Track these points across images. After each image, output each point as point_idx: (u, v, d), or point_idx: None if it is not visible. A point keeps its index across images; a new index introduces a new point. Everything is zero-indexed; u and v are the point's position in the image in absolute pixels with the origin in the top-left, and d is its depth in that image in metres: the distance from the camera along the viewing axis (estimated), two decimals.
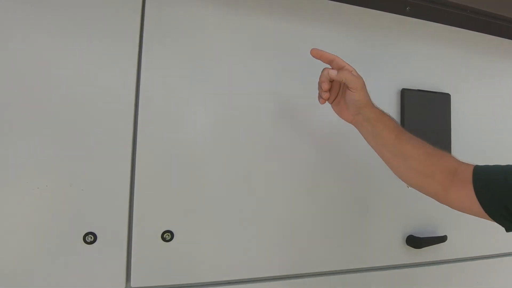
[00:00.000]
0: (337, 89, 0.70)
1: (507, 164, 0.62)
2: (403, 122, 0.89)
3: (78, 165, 0.63)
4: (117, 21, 0.66)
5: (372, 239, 0.85)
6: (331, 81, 0.68)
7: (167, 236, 0.67)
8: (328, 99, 0.70)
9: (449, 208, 0.66)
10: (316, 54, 0.66)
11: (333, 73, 0.65)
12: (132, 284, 0.65)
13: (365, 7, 0.88)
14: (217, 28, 0.74)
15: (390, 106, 0.89)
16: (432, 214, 0.91)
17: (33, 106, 0.61)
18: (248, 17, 0.76)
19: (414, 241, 0.87)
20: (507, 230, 0.62)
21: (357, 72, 0.67)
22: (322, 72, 0.68)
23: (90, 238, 0.62)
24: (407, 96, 0.88)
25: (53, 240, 0.61)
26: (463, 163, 0.66)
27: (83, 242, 0.62)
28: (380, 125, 0.67)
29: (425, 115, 0.91)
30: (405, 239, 0.88)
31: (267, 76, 0.77)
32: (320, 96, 0.69)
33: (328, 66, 0.68)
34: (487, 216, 0.60)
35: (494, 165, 0.63)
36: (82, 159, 0.63)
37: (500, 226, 0.60)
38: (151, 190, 0.67)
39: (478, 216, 0.63)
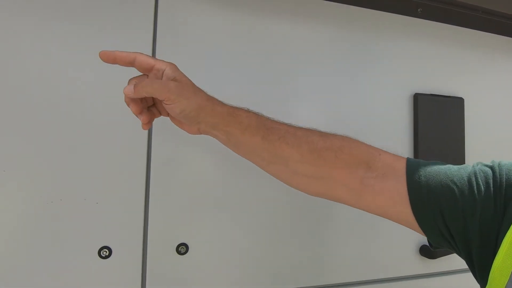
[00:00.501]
0: None
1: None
2: (416, 127, 0.95)
3: (92, 178, 0.68)
4: (130, 30, 0.72)
5: (385, 249, 0.91)
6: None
7: (182, 249, 0.72)
8: (162, 114, 0.59)
9: None
10: (108, 57, 0.53)
11: (129, 92, 0.53)
12: None
13: (375, 9, 0.95)
14: (227, 33, 0.80)
15: (403, 111, 0.95)
16: None
17: (46, 120, 0.66)
18: (260, 21, 0.82)
19: (428, 251, 0.93)
20: (434, 246, 0.56)
21: (173, 69, 0.54)
22: None
23: (105, 252, 0.67)
24: (420, 101, 0.95)
25: (68, 255, 0.66)
26: (381, 153, 0.57)
27: (98, 256, 0.67)
28: (235, 130, 0.56)
29: (439, 120, 0.97)
30: (419, 249, 0.94)
31: (281, 80, 0.84)
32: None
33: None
34: (416, 223, 0.53)
35: (433, 163, 0.55)
36: (96, 172, 0.68)
37: None
38: (165, 203, 0.72)
39: (400, 223, 0.56)
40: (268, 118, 0.58)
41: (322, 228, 0.86)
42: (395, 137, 0.94)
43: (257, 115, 0.58)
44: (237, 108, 0.57)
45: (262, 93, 0.81)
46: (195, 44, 0.77)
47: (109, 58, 0.53)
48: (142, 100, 0.56)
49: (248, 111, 0.57)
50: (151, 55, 0.73)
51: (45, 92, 0.67)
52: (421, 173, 0.53)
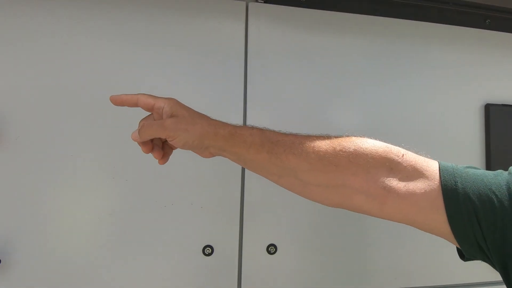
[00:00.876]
0: None
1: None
2: (488, 138, 0.98)
3: (198, 186, 0.80)
4: (224, 54, 0.84)
5: (454, 255, 0.96)
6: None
7: (272, 249, 0.83)
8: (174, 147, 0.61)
9: None
10: (116, 101, 0.58)
11: (135, 138, 0.57)
12: None
13: (445, 23, 1.01)
14: (305, 53, 0.89)
15: (474, 122, 0.99)
16: None
17: None
18: (345, 40, 0.91)
19: None
20: (466, 257, 0.53)
21: (171, 105, 0.56)
22: None
23: (208, 250, 0.79)
24: (492, 111, 0.98)
25: (177, 251, 0.79)
26: (404, 154, 0.52)
27: (202, 254, 0.79)
28: (240, 149, 0.56)
29: (510, 130, 1.00)
30: None
31: (350, 92, 0.93)
32: None
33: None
34: (450, 232, 0.50)
35: (467, 168, 0.52)
36: (201, 180, 0.80)
37: None
38: (257, 208, 0.83)
39: (429, 231, 0.53)
40: (273, 132, 0.57)
41: (396, 232, 0.92)
42: (467, 148, 0.98)
43: (261, 131, 0.57)
44: (240, 127, 0.57)
45: (335, 103, 0.90)
46: (279, 63, 0.88)
47: (117, 101, 0.58)
48: (154, 139, 0.59)
49: (252, 128, 0.57)
50: (243, 74, 0.85)
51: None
52: (457, 179, 0.49)
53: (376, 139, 0.54)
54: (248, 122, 0.84)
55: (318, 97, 0.89)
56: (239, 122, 0.84)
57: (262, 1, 0.89)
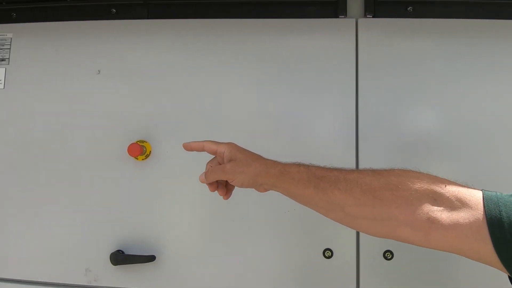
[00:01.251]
0: None
1: None
2: None
3: None
4: (337, 85, 0.91)
5: None
6: None
7: (388, 255, 0.86)
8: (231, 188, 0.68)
9: None
10: (187, 147, 0.68)
11: (203, 180, 0.66)
12: None
13: None
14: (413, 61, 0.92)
15: None
16: None
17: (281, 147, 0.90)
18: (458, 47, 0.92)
19: None
20: None
21: (230, 150, 0.64)
22: None
23: (328, 253, 0.86)
24: None
25: (299, 253, 0.87)
26: (447, 184, 0.53)
27: (322, 256, 0.86)
28: (289, 185, 0.61)
29: None
30: None
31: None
32: None
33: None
34: (498, 261, 0.49)
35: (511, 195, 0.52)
36: None
37: None
38: None
39: (477, 260, 0.53)
40: (319, 168, 0.61)
41: None
42: None
43: (307, 168, 0.61)
44: (289, 165, 0.62)
45: (453, 113, 0.91)
46: (390, 76, 0.91)
47: (187, 147, 0.69)
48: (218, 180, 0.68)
49: (299, 165, 0.62)
50: (354, 86, 0.91)
51: (284, 129, 0.91)
52: (502, 207, 0.50)
53: (420, 171, 0.56)
54: (360, 138, 0.90)
55: (433, 107, 0.91)
56: (352, 138, 0.90)
57: (371, 16, 0.93)
